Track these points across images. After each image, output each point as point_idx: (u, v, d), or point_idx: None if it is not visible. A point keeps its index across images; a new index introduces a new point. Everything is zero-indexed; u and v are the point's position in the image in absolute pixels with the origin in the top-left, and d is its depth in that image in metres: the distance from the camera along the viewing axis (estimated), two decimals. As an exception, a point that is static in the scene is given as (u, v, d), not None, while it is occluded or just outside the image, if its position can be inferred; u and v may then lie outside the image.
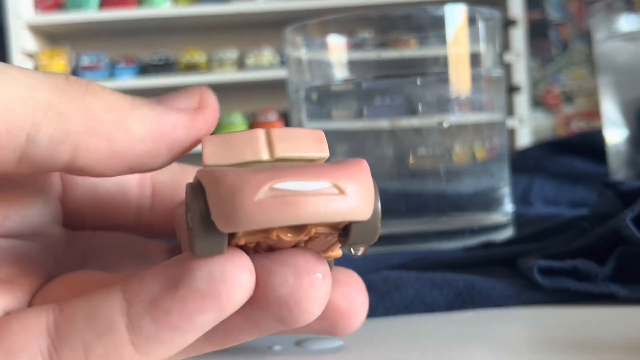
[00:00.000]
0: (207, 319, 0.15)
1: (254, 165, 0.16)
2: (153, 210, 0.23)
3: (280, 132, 0.17)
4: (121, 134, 0.16)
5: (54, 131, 0.16)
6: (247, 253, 0.16)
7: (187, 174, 0.23)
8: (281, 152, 0.17)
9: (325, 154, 0.17)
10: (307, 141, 0.17)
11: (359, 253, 0.17)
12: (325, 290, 0.16)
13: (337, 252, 0.18)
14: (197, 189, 0.16)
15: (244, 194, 0.14)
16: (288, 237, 0.16)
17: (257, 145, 0.17)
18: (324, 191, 0.15)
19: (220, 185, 0.15)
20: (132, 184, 0.23)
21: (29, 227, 0.19)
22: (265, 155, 0.17)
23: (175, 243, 0.23)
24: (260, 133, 0.17)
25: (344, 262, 0.26)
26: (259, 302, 0.16)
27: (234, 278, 0.15)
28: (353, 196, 0.15)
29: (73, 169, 0.16)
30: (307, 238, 0.16)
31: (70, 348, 0.16)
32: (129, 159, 0.17)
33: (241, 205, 0.14)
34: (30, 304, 0.18)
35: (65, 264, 0.20)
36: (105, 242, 0.22)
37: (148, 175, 0.23)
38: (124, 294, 0.16)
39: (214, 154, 0.16)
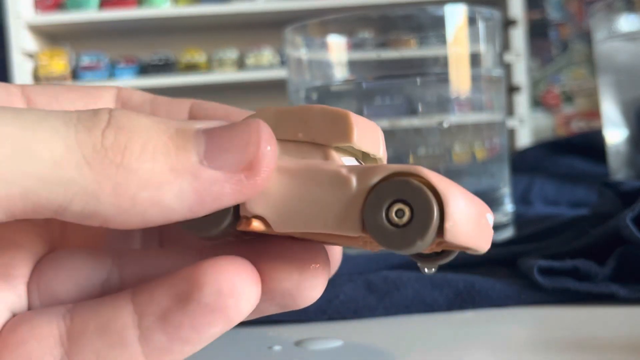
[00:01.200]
0: (215, 331, 0.16)
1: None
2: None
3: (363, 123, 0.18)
4: (155, 211, 0.15)
5: (82, 210, 0.15)
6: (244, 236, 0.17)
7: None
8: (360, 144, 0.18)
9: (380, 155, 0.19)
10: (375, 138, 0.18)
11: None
12: (325, 277, 0.17)
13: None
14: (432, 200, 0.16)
15: (478, 220, 0.17)
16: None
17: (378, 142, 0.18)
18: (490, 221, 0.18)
19: (466, 208, 0.16)
20: None
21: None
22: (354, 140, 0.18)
23: None
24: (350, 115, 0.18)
25: (344, 262, 0.26)
26: (264, 293, 0.17)
27: (241, 292, 0.16)
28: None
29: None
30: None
31: (83, 359, 0.16)
32: (159, 223, 0.16)
33: (471, 228, 0.16)
34: (27, 296, 0.18)
35: (48, 236, 0.20)
36: None
37: None
38: (135, 307, 0.16)
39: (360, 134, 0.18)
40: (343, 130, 0.17)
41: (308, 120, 0.17)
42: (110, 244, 0.21)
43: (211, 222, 0.17)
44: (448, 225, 0.16)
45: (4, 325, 0.17)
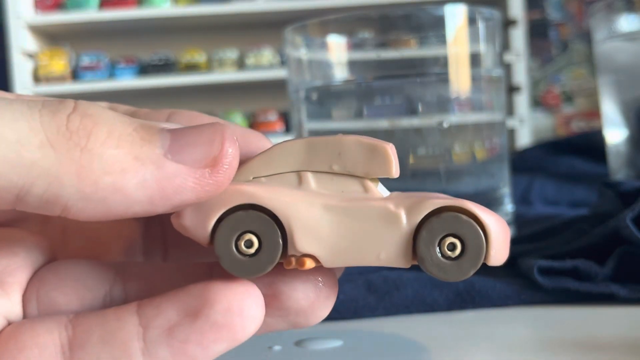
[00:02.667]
0: (220, 349, 0.16)
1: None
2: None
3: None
4: (117, 198, 0.15)
5: (43, 193, 0.14)
6: None
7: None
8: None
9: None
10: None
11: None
12: (335, 296, 0.18)
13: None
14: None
15: (506, 240, 0.18)
16: None
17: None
18: None
19: (501, 233, 0.18)
20: None
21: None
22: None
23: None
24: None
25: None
26: (278, 310, 0.17)
27: (249, 311, 0.16)
28: None
29: (65, 217, 0.15)
30: None
31: None
32: (121, 216, 0.15)
33: (504, 249, 0.18)
34: (23, 303, 0.18)
35: (45, 243, 0.19)
36: None
37: None
38: (140, 319, 0.16)
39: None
40: (383, 164, 0.18)
41: (343, 151, 0.18)
42: (112, 256, 0.21)
43: (260, 265, 0.17)
44: (492, 252, 0.17)
45: (0, 332, 0.17)
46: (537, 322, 0.24)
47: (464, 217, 0.17)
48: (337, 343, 0.22)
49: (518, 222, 0.39)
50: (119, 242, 0.21)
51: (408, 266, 0.17)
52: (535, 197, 0.50)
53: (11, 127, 0.14)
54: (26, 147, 0.14)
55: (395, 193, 0.19)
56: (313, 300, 0.18)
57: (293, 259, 0.17)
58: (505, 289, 0.26)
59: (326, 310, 0.18)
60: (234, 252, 0.17)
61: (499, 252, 0.18)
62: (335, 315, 0.25)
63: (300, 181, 0.17)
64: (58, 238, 0.20)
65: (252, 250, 0.17)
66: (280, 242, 0.17)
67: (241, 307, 0.16)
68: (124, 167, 0.15)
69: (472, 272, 0.17)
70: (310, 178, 0.18)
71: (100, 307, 0.18)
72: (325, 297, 0.18)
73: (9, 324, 0.17)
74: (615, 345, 0.21)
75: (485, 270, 0.29)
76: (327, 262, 0.17)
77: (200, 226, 0.17)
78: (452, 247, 0.17)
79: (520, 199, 0.49)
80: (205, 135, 0.16)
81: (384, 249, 0.17)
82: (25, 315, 0.18)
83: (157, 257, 0.21)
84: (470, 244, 0.17)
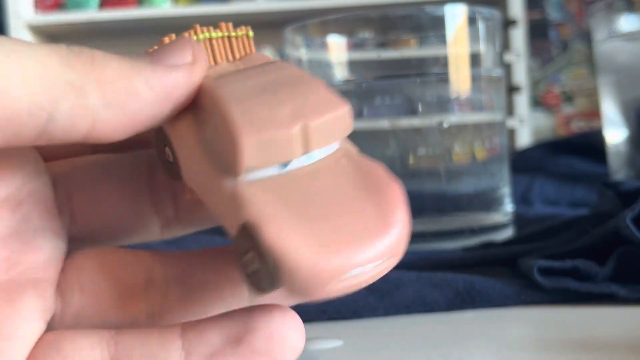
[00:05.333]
0: None
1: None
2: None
3: (317, 125, 0.17)
4: (133, 100, 0.16)
5: (72, 106, 0.15)
6: None
7: None
8: (316, 145, 0.17)
9: (351, 129, 0.18)
10: (340, 126, 0.17)
11: None
12: None
13: None
14: (268, 267, 0.15)
15: (316, 285, 0.15)
16: None
17: (294, 145, 0.16)
18: (384, 265, 0.16)
19: (294, 276, 0.15)
20: None
21: (18, 179, 0.18)
22: (299, 154, 0.17)
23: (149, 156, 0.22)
24: (296, 130, 0.16)
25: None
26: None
27: (290, 340, 0.17)
28: (400, 255, 0.16)
29: (88, 140, 0.16)
30: None
31: None
32: (139, 123, 0.17)
33: (312, 291, 0.15)
34: (62, 295, 0.18)
35: (58, 213, 0.19)
36: (85, 174, 0.21)
37: None
38: (183, 343, 0.17)
39: (251, 155, 0.16)
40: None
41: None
42: (127, 235, 0.21)
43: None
44: (288, 289, 0.15)
45: (41, 339, 0.17)
46: (537, 322, 0.24)
47: (257, 235, 0.15)
48: (337, 343, 0.22)
49: (518, 222, 0.39)
50: (130, 217, 0.20)
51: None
52: (535, 197, 0.50)
53: (30, 49, 0.15)
54: (48, 65, 0.15)
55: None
56: None
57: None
58: (505, 289, 0.26)
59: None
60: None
61: (303, 281, 0.15)
62: (335, 315, 0.25)
63: None
64: (65, 203, 0.20)
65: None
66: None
67: (282, 335, 0.16)
68: (128, 73, 0.16)
69: (269, 290, 0.15)
70: None
71: (143, 292, 0.18)
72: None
73: (47, 325, 0.17)
74: (615, 345, 0.21)
75: (485, 270, 0.29)
76: None
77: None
78: (251, 261, 0.16)
79: (520, 199, 0.49)
80: (175, 44, 0.18)
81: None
82: (62, 309, 0.18)
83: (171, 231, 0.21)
84: (263, 265, 0.15)
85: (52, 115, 0.15)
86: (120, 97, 0.16)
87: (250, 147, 0.16)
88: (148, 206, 0.21)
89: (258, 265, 0.15)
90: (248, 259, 0.16)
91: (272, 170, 0.16)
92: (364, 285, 0.16)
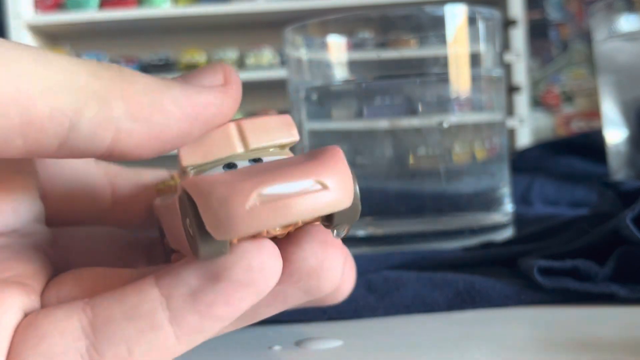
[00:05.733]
0: (246, 305, 0.16)
1: (230, 159, 0.17)
2: (115, 202, 0.24)
3: (250, 123, 0.18)
4: (159, 116, 0.16)
5: (95, 116, 0.16)
6: None
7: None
8: (254, 143, 0.18)
9: (295, 137, 0.18)
10: (276, 128, 0.18)
11: (342, 234, 0.18)
12: (342, 256, 0.18)
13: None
14: (188, 202, 0.16)
15: (234, 204, 0.15)
16: (277, 231, 0.17)
17: (231, 140, 0.18)
18: (309, 189, 0.16)
19: (210, 198, 0.15)
20: (100, 176, 0.23)
21: (20, 222, 0.19)
22: (240, 149, 0.18)
23: (151, 236, 0.24)
24: (232, 127, 0.18)
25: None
26: (290, 276, 0.17)
27: (269, 266, 0.16)
28: (335, 188, 0.16)
29: (112, 155, 0.16)
30: (294, 229, 0.17)
31: (112, 347, 0.16)
32: (166, 140, 0.17)
33: (233, 215, 0.15)
34: (43, 304, 0.18)
35: (54, 261, 0.20)
36: (86, 237, 0.22)
37: (111, 166, 0.24)
38: (161, 290, 0.16)
39: (189, 154, 0.17)
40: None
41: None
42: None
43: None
44: (208, 227, 0.15)
45: (19, 323, 0.17)
46: (537, 322, 0.24)
47: (180, 196, 0.16)
48: (337, 343, 0.22)
49: (518, 222, 0.39)
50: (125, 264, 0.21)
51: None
52: (535, 197, 0.50)
53: (58, 59, 0.16)
54: (74, 74, 0.16)
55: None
56: (322, 258, 0.17)
57: None
58: (505, 289, 0.26)
59: (336, 271, 0.18)
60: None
61: (214, 222, 0.15)
62: (335, 315, 0.25)
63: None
64: (63, 260, 0.20)
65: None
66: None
67: (261, 263, 0.16)
68: (155, 88, 0.16)
69: (201, 250, 0.16)
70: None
71: None
72: (333, 254, 0.17)
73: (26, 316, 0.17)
74: (615, 345, 0.21)
75: (485, 270, 0.29)
76: None
77: None
78: (189, 226, 0.16)
79: (520, 199, 0.49)
80: (208, 67, 0.18)
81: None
82: None
83: None
84: (189, 222, 0.16)
85: (75, 123, 0.15)
86: (146, 110, 0.16)
87: (188, 146, 0.17)
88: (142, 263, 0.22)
89: (193, 224, 0.16)
90: (186, 225, 0.16)
91: (219, 171, 0.17)
92: (298, 212, 0.15)
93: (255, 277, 0.16)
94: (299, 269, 0.17)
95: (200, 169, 0.17)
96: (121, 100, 0.16)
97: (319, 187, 0.16)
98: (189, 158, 0.17)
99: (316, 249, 0.17)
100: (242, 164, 0.17)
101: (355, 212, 0.17)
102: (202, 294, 0.16)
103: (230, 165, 0.17)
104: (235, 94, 0.18)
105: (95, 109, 0.16)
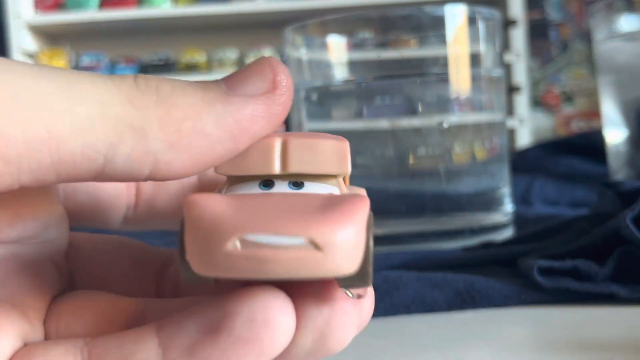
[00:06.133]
0: None
1: (268, 176, 0.16)
2: (137, 207, 0.23)
3: (298, 143, 0.16)
4: (200, 141, 0.15)
5: (132, 150, 0.15)
6: None
7: None
8: (294, 166, 0.16)
9: (345, 171, 0.16)
10: (326, 155, 0.16)
11: (357, 295, 0.16)
12: (356, 315, 0.16)
13: None
14: (181, 219, 0.15)
15: (211, 243, 0.14)
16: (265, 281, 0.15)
17: (270, 158, 0.16)
18: (296, 248, 0.13)
19: (193, 227, 0.14)
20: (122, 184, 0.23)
21: (40, 227, 0.18)
22: (276, 170, 0.16)
23: (171, 248, 0.23)
24: (276, 143, 0.16)
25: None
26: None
27: (276, 321, 0.14)
28: (331, 253, 0.14)
29: (153, 180, 0.16)
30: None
31: None
32: (209, 162, 0.16)
33: (209, 254, 0.14)
34: (44, 330, 0.18)
35: (63, 272, 0.19)
36: (100, 249, 0.21)
37: None
38: (159, 340, 0.15)
39: (227, 161, 0.16)
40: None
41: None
42: (119, 281, 0.20)
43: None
44: (188, 256, 0.14)
45: (16, 352, 0.16)
46: (537, 322, 0.24)
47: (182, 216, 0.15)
48: (337, 343, 0.22)
49: (518, 222, 0.39)
50: (133, 283, 0.20)
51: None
52: (535, 197, 0.50)
53: (91, 87, 0.15)
54: (108, 105, 0.15)
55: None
56: (329, 316, 0.15)
57: None
58: (505, 289, 0.26)
59: (346, 332, 0.15)
60: None
61: (194, 254, 0.14)
62: (335, 315, 0.25)
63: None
64: (73, 269, 0.20)
65: None
66: None
67: (266, 317, 0.14)
68: (197, 110, 0.15)
69: (182, 274, 0.15)
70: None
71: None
72: (343, 313, 0.15)
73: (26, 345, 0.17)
74: (615, 345, 0.21)
75: (485, 270, 0.29)
76: None
77: None
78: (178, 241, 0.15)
79: (520, 199, 0.49)
80: (255, 67, 0.16)
81: None
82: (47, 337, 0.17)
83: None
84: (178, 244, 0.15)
85: (110, 159, 0.15)
86: (186, 138, 0.15)
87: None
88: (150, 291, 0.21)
89: (179, 244, 0.15)
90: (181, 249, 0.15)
91: (253, 189, 0.16)
92: (279, 270, 0.13)
93: (259, 333, 0.14)
94: (304, 326, 0.15)
95: (236, 178, 0.16)
96: (159, 131, 0.15)
97: (310, 247, 0.13)
98: (224, 165, 0.16)
99: (323, 308, 0.15)
100: (280, 183, 0.16)
101: (363, 278, 0.15)
102: (200, 348, 0.15)
103: (267, 183, 0.16)
104: (285, 100, 0.16)
105: (131, 142, 0.15)
